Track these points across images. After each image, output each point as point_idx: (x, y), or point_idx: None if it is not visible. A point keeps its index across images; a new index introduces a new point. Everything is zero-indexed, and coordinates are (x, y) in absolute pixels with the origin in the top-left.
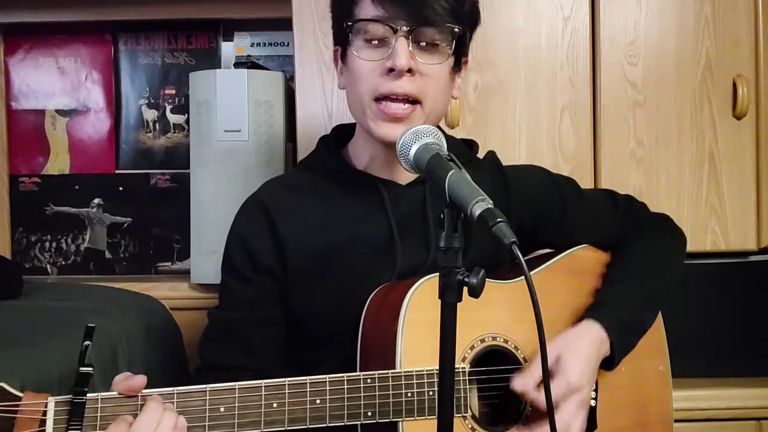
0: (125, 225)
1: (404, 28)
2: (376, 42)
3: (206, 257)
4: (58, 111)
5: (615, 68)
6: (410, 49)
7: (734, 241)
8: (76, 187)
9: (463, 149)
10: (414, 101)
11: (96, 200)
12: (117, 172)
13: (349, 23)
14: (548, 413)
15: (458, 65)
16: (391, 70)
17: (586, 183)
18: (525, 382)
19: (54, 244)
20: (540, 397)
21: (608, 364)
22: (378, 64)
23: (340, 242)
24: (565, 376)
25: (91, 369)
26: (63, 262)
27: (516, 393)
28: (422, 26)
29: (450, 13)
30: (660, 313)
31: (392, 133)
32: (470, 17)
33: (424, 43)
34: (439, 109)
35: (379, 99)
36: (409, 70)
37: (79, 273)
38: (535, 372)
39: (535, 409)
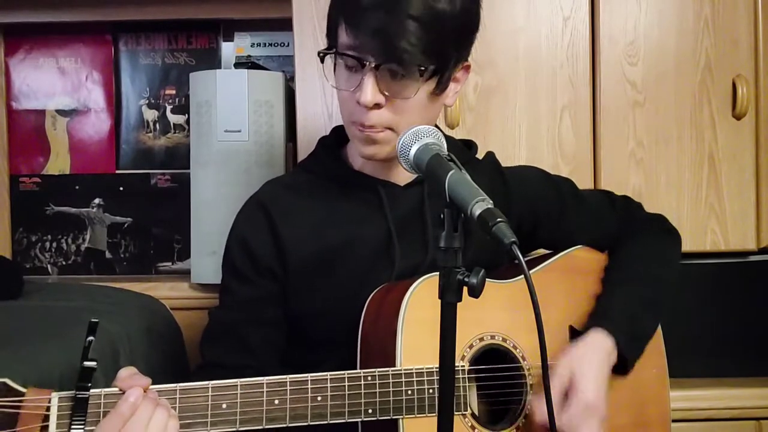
0: (125, 225)
1: (372, 63)
2: (351, 68)
3: (206, 257)
4: (58, 111)
5: (615, 68)
6: (379, 82)
7: (734, 241)
8: (77, 187)
9: (462, 150)
10: (387, 128)
11: (96, 200)
12: (117, 172)
13: (322, 53)
14: (548, 413)
15: (443, 84)
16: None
17: (585, 183)
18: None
19: (54, 244)
20: (561, 418)
21: (620, 369)
22: (351, 93)
23: (339, 243)
24: (583, 396)
25: (94, 363)
26: (63, 262)
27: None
28: (389, 62)
29: (421, 51)
30: None
31: (371, 153)
32: (455, 36)
33: (395, 75)
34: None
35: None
36: (377, 104)
37: (79, 273)
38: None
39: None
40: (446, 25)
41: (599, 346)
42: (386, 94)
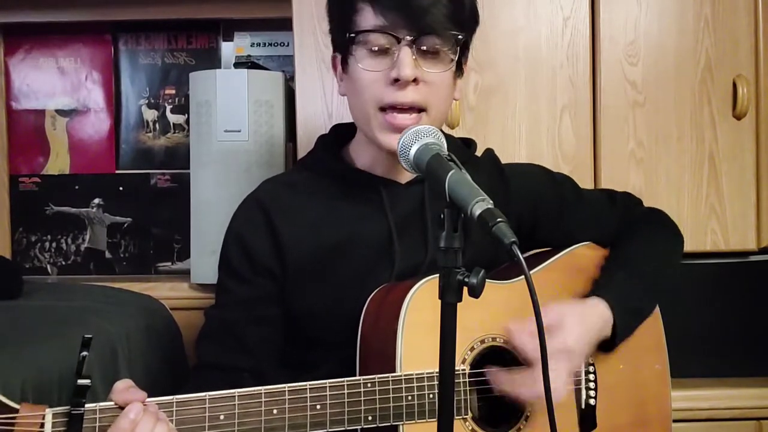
0: (125, 225)
1: (408, 37)
2: (379, 51)
3: (206, 257)
4: (58, 111)
5: (615, 68)
6: (414, 57)
7: (734, 241)
8: (76, 187)
9: (462, 148)
10: (420, 109)
11: (96, 200)
12: (117, 172)
13: (351, 34)
14: (549, 413)
15: (461, 68)
16: (396, 80)
17: (585, 183)
18: (517, 328)
19: (54, 244)
20: (528, 343)
21: (607, 346)
22: (382, 74)
23: (338, 242)
24: (563, 336)
25: (88, 381)
26: (63, 262)
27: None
28: (425, 35)
29: (451, 20)
30: (659, 311)
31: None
32: (471, 21)
33: (427, 51)
34: (443, 113)
35: (384, 108)
36: (414, 80)
37: (79, 273)
38: (530, 324)
39: (524, 359)
40: (466, 4)
41: (596, 308)
42: (423, 68)
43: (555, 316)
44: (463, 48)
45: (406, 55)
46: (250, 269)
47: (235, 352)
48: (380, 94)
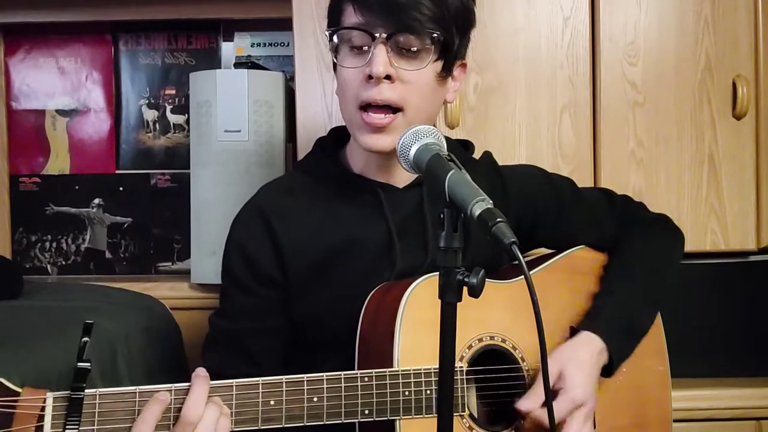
0: (125, 225)
1: (382, 34)
2: (358, 49)
3: (206, 257)
4: (58, 111)
5: (615, 68)
6: (389, 55)
7: (734, 241)
8: (77, 187)
9: (459, 150)
10: (396, 109)
11: (96, 200)
12: (117, 172)
13: (329, 32)
14: (549, 419)
15: (448, 69)
16: (371, 77)
17: (585, 183)
18: (530, 403)
19: (54, 244)
20: (545, 416)
21: (606, 371)
22: (359, 71)
23: (339, 246)
24: (569, 392)
25: (88, 365)
26: (63, 262)
27: (521, 414)
28: (400, 32)
29: (431, 19)
30: (659, 313)
31: (375, 144)
32: (458, 20)
33: (405, 50)
34: (426, 114)
35: (363, 107)
36: (388, 77)
37: (79, 273)
38: (539, 391)
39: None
40: (451, 4)
41: (588, 344)
42: (396, 65)
43: (553, 371)
44: (446, 48)
45: (379, 52)
46: (254, 280)
47: (242, 362)
48: (358, 91)
